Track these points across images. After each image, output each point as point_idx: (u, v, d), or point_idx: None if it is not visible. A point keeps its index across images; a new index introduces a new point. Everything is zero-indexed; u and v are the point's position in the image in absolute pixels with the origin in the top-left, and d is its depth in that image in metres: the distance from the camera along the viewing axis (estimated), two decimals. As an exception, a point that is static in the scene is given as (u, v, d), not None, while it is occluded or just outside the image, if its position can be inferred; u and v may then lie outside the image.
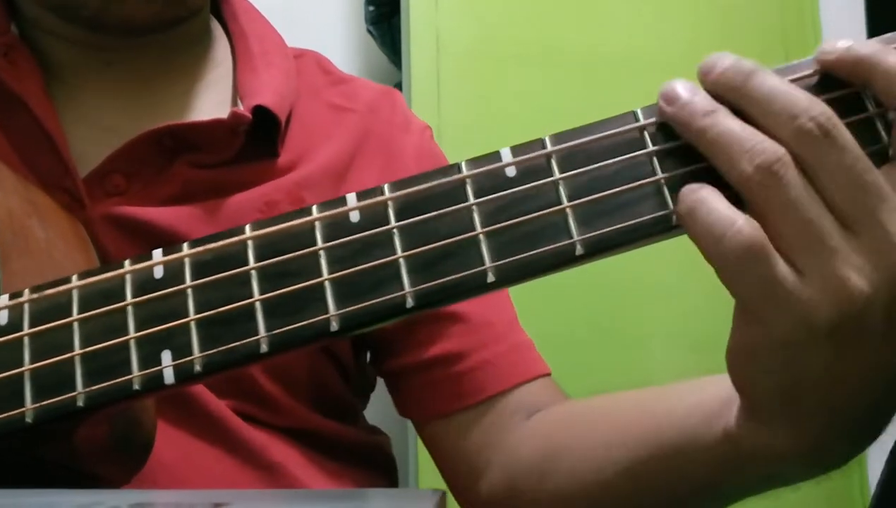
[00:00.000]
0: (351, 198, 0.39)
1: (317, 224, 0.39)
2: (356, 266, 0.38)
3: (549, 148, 0.39)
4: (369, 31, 1.67)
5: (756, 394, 0.39)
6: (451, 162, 0.41)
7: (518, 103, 1.55)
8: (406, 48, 1.52)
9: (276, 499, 0.34)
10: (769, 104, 0.37)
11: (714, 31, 1.64)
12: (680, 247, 0.40)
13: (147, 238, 0.57)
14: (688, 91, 0.38)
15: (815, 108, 0.36)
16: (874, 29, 1.82)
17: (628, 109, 0.40)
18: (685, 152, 0.38)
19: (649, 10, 1.64)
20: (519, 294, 0.40)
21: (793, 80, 0.38)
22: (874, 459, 0.46)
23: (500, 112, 1.53)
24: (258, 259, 0.39)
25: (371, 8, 1.65)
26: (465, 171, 0.39)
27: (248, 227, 0.40)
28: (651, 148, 0.38)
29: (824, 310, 0.35)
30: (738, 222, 0.35)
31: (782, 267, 0.35)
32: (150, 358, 0.38)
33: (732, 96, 0.38)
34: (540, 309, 1.38)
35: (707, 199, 0.36)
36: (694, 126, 0.37)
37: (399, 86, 1.57)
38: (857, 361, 0.37)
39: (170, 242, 0.41)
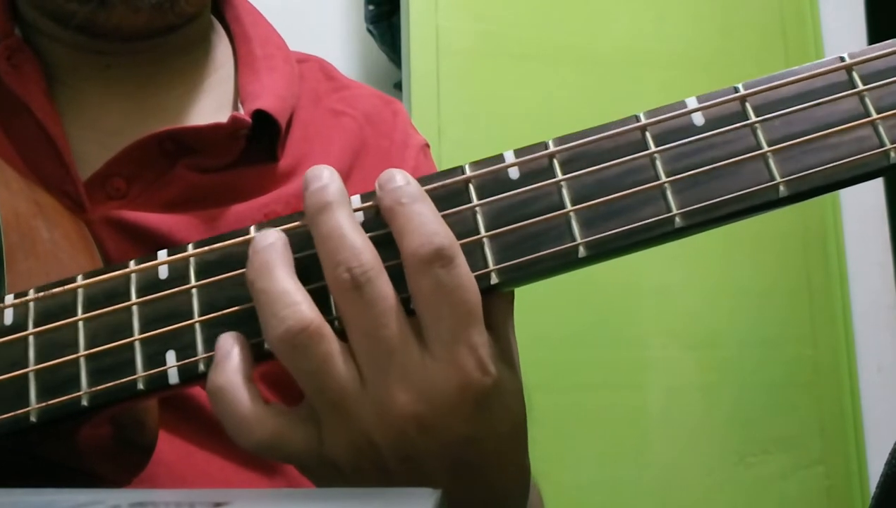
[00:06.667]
0: (358, 200, 0.40)
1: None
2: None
3: (553, 150, 0.39)
4: (369, 30, 1.68)
5: None
6: (449, 161, 0.41)
7: (517, 101, 1.55)
8: (406, 47, 1.52)
9: (276, 499, 0.34)
10: (322, 245, 0.37)
11: (714, 31, 1.64)
12: (679, 247, 0.40)
13: (146, 243, 0.56)
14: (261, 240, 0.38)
15: (358, 259, 0.37)
16: (873, 28, 1.83)
17: (628, 108, 0.39)
18: (689, 154, 0.38)
19: (649, 9, 1.64)
20: (518, 293, 0.40)
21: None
22: (873, 455, 0.46)
23: (499, 110, 1.53)
24: None
25: (371, 7, 1.65)
26: (468, 173, 0.39)
27: (252, 228, 0.40)
28: (654, 150, 0.38)
29: (343, 459, 0.38)
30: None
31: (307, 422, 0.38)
32: (154, 358, 0.39)
33: (308, 224, 0.38)
34: (539, 309, 1.38)
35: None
36: (249, 282, 0.38)
37: (399, 84, 1.58)
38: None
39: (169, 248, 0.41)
